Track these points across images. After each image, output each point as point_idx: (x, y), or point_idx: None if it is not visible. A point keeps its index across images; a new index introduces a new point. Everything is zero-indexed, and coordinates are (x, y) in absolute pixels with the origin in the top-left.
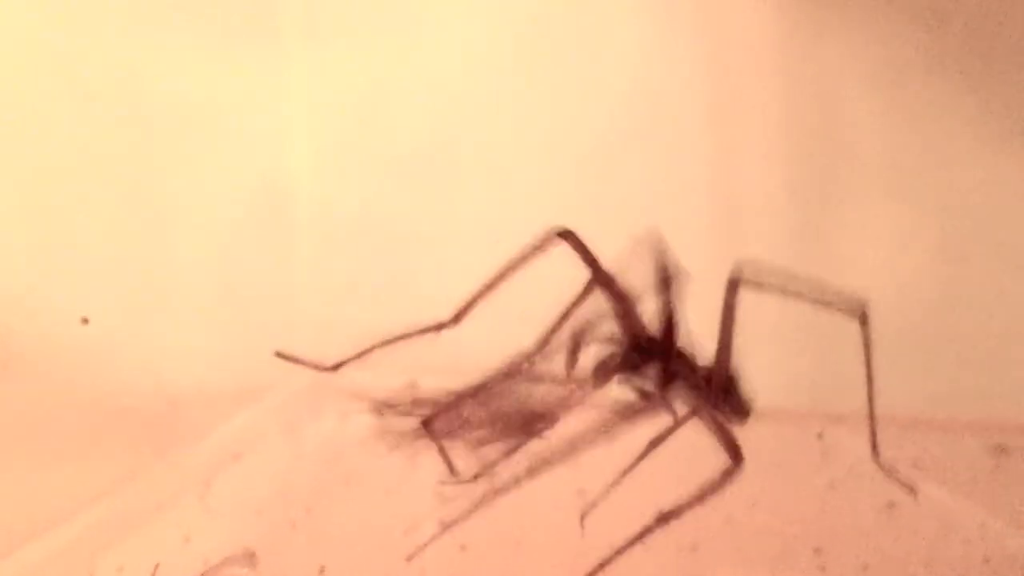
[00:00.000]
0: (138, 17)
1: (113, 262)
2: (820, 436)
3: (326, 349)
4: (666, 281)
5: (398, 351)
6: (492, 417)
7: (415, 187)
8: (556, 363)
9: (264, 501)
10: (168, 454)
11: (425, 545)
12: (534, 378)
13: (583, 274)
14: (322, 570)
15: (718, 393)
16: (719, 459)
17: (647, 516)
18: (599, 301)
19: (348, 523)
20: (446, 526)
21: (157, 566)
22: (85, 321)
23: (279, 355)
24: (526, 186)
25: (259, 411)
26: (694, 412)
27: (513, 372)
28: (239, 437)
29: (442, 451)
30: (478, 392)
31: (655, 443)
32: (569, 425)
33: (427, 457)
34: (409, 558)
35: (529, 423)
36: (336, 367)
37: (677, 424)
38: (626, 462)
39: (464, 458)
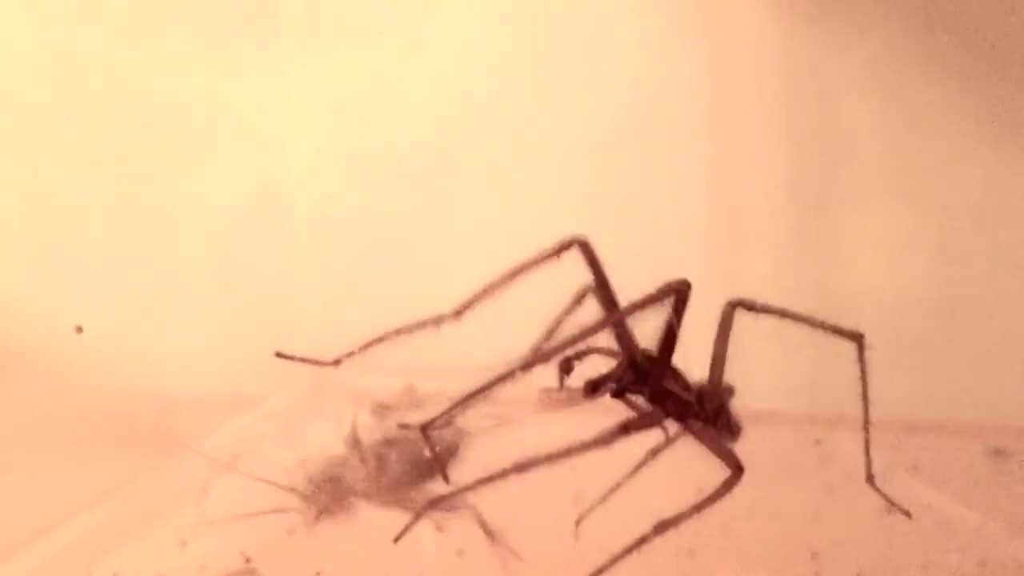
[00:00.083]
0: (137, 17)
1: (111, 264)
2: (818, 441)
3: (326, 350)
4: (679, 299)
5: (397, 354)
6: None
7: (415, 187)
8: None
9: (261, 506)
10: (166, 459)
11: (408, 527)
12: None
13: (579, 281)
14: None
15: (709, 413)
16: (717, 465)
17: (645, 519)
18: (590, 311)
19: (345, 529)
20: (426, 508)
21: None
22: (79, 330)
23: (279, 355)
24: (526, 186)
25: (257, 415)
26: (686, 429)
27: (508, 378)
28: (237, 441)
29: (437, 458)
30: (473, 397)
31: (646, 460)
32: (564, 434)
33: None
34: (396, 539)
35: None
36: (337, 362)
37: (669, 441)
38: (623, 466)
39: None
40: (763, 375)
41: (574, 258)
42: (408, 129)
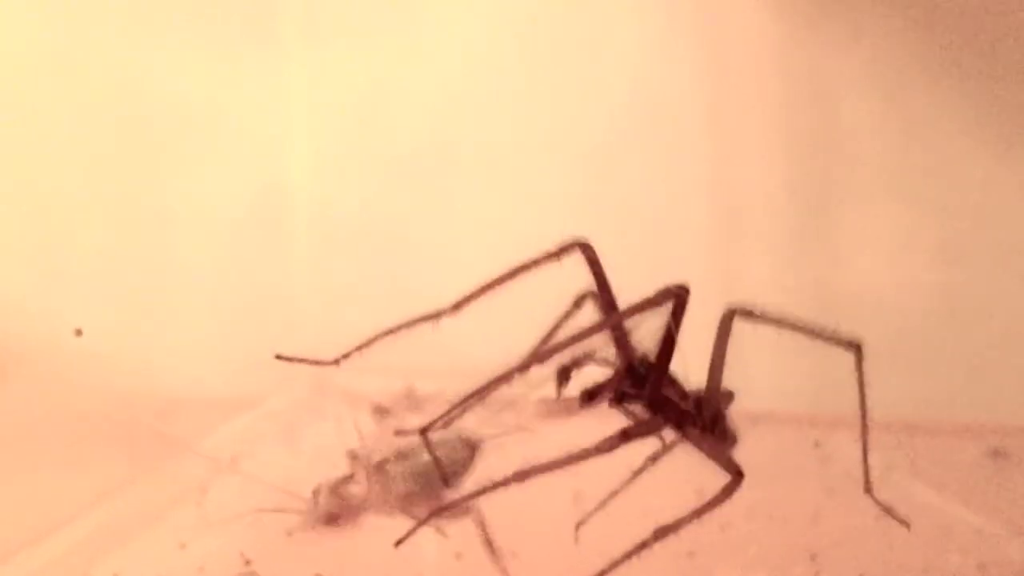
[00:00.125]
0: (137, 18)
1: (111, 264)
2: (818, 442)
3: (326, 350)
4: (678, 304)
5: (397, 355)
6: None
7: (415, 187)
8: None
9: (261, 508)
10: (165, 460)
11: (410, 533)
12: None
13: (580, 284)
14: None
15: (707, 421)
16: (717, 470)
17: (645, 524)
18: (589, 317)
19: (345, 532)
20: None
21: None
22: (79, 333)
23: (279, 358)
24: (526, 186)
25: (257, 416)
26: (684, 437)
27: (506, 380)
28: (237, 442)
29: (437, 462)
30: (471, 399)
31: (646, 465)
32: (564, 442)
33: None
34: (397, 543)
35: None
36: (337, 361)
37: (667, 448)
38: (623, 470)
39: None
40: (763, 376)
41: (575, 260)
42: (408, 129)
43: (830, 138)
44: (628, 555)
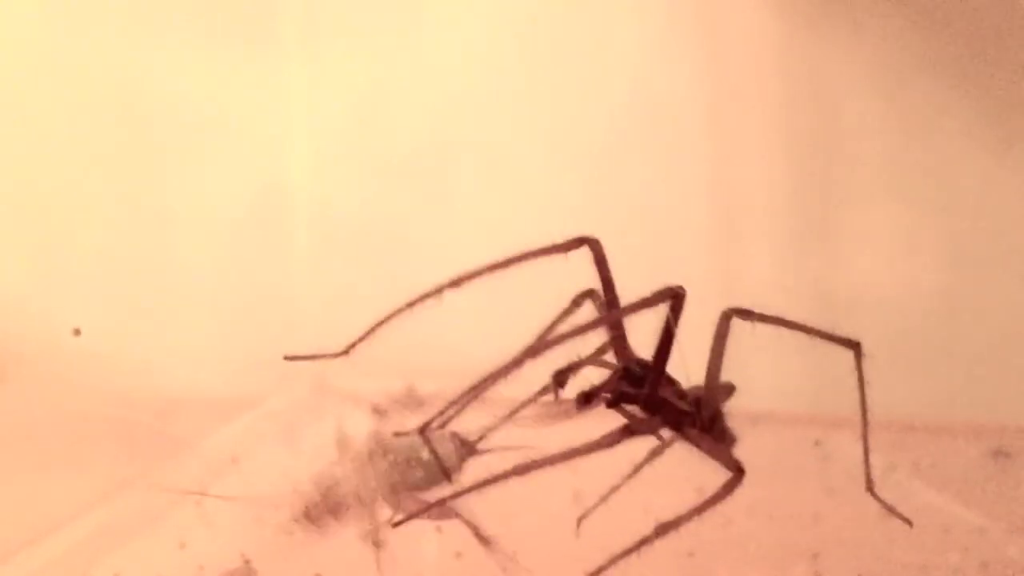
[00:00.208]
0: (137, 18)
1: (111, 264)
2: (818, 441)
3: (326, 350)
4: (675, 305)
5: (397, 355)
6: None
7: (415, 187)
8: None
9: (261, 507)
10: (165, 460)
11: (409, 517)
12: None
13: (581, 287)
14: None
15: (705, 421)
16: (718, 466)
17: (645, 520)
18: (586, 315)
19: (345, 530)
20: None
21: None
22: (77, 332)
23: (288, 358)
24: (526, 187)
25: (257, 416)
26: (683, 437)
27: (502, 375)
28: (237, 442)
29: (438, 459)
30: (467, 396)
31: (646, 461)
32: (565, 437)
33: None
34: (395, 524)
35: None
36: (346, 351)
37: (665, 445)
38: (623, 467)
39: None
40: (763, 376)
41: (578, 263)
42: (408, 129)
43: (830, 138)
44: (629, 551)
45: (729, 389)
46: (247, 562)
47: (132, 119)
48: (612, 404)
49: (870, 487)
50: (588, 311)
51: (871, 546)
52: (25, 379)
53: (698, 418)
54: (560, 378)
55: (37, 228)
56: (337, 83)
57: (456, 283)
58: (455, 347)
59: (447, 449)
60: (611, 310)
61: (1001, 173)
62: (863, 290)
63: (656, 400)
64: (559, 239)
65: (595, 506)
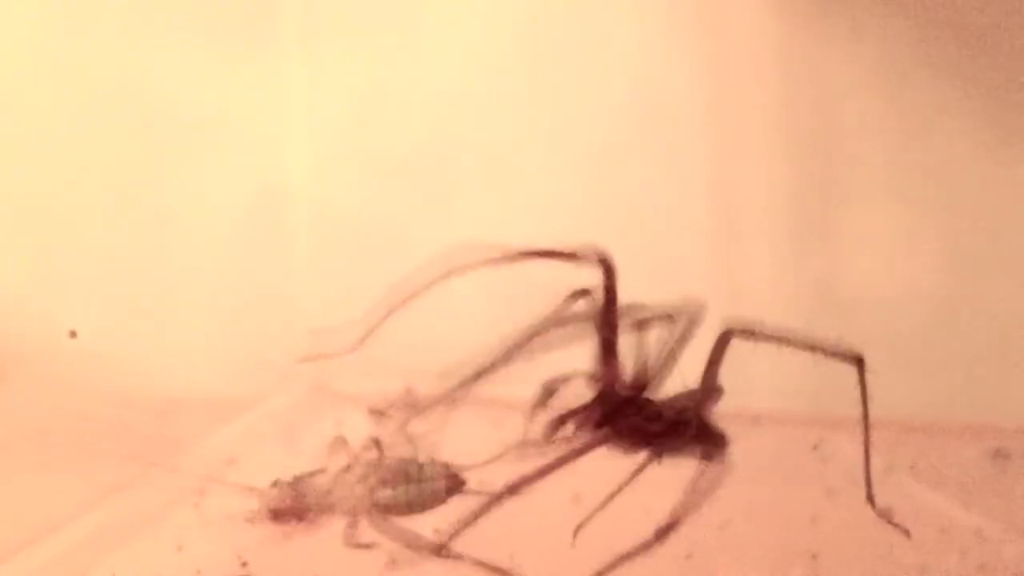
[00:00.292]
0: (137, 18)
1: (110, 265)
2: (817, 443)
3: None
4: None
5: (396, 355)
6: None
7: (415, 187)
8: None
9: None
10: (162, 461)
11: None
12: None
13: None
14: None
15: (685, 439)
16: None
17: (646, 520)
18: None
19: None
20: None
21: None
22: (73, 334)
23: (301, 360)
24: (526, 187)
25: (255, 417)
26: (657, 456)
27: (491, 371)
28: (235, 444)
29: (426, 493)
30: (458, 392)
31: (645, 464)
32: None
33: None
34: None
35: None
36: (358, 344)
37: (645, 464)
38: (622, 470)
39: None
40: (763, 376)
41: (582, 269)
42: (408, 129)
43: (830, 138)
44: (629, 555)
45: (716, 394)
46: (244, 564)
47: (132, 119)
48: (582, 429)
49: (870, 498)
50: (584, 307)
51: (870, 547)
52: (24, 379)
53: (678, 437)
54: (550, 387)
55: (37, 228)
56: (337, 83)
57: (461, 270)
58: (455, 347)
59: (438, 486)
60: (608, 328)
61: (1001, 173)
62: (863, 290)
63: (624, 429)
64: (559, 239)
65: (593, 513)
